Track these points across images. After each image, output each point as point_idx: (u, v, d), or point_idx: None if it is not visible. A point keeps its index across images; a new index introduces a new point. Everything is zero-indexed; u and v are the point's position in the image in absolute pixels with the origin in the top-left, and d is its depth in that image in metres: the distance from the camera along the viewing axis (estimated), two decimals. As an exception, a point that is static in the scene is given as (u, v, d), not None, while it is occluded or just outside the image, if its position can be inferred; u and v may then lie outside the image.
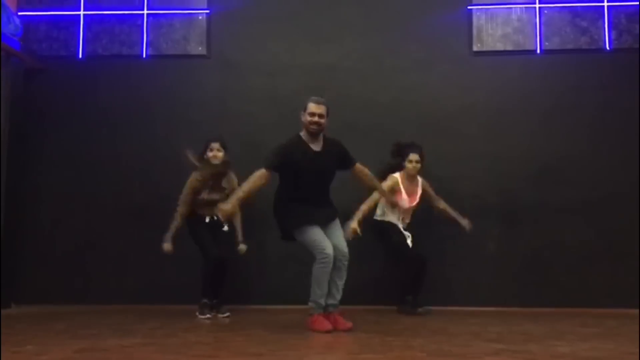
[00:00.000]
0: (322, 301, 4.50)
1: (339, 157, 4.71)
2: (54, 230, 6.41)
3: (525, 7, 6.53)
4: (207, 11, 6.66)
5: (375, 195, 5.48)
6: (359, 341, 4.06)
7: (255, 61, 6.54)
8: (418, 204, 5.87)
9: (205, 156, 5.54)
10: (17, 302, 6.08)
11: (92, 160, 6.48)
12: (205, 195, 5.51)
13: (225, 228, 5.58)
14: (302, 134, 4.67)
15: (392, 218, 5.76)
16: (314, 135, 4.62)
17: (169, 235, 5.49)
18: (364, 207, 5.44)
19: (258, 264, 6.28)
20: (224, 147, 5.55)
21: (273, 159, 4.57)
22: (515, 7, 6.55)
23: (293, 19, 6.59)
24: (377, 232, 5.80)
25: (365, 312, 5.49)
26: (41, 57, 6.58)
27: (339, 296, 4.58)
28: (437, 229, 6.02)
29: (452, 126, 6.35)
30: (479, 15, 6.54)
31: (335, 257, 4.46)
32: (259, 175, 4.54)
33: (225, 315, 5.42)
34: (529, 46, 6.48)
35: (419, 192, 5.86)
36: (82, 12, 6.67)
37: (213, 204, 5.52)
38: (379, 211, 5.81)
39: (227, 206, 4.50)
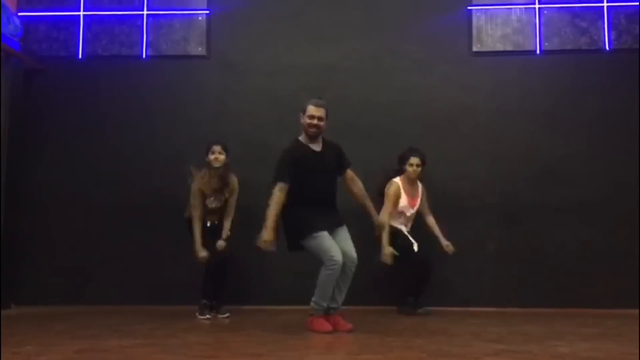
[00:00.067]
0: (325, 304, 4.50)
1: (337, 158, 4.70)
2: (53, 231, 6.40)
3: (525, 8, 6.53)
4: (207, 12, 6.66)
5: (386, 207, 5.59)
6: (359, 341, 4.06)
7: (255, 61, 6.54)
8: (422, 207, 5.89)
9: (206, 159, 5.54)
10: (17, 302, 6.08)
11: (92, 160, 6.47)
12: (209, 203, 5.52)
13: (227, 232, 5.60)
14: (301, 137, 4.66)
15: (396, 223, 5.75)
16: (313, 138, 4.61)
17: (198, 244, 5.39)
18: (385, 224, 5.43)
19: (258, 264, 6.27)
20: (225, 149, 5.56)
21: (283, 170, 4.52)
22: (515, 8, 6.55)
23: (293, 19, 6.59)
24: (380, 236, 5.80)
25: (365, 312, 5.49)
26: (41, 57, 6.58)
27: (341, 300, 4.58)
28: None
29: (452, 126, 6.35)
30: (479, 16, 6.54)
31: (344, 264, 4.43)
32: (279, 192, 4.48)
33: (225, 315, 5.42)
34: (528, 47, 6.48)
35: (420, 196, 5.87)
36: (81, 13, 6.67)
37: (215, 211, 5.55)
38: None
39: (266, 236, 4.44)
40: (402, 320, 5.25)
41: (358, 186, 4.78)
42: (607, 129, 6.27)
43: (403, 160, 5.82)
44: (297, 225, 4.52)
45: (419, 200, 5.86)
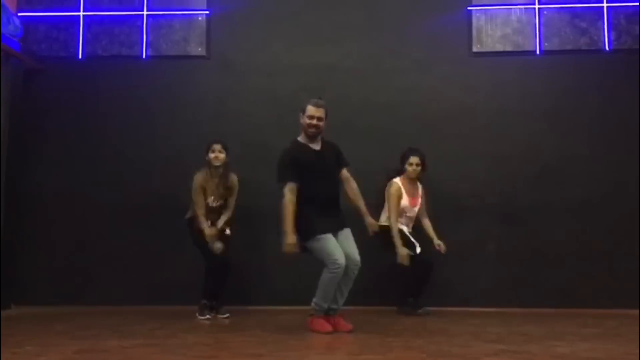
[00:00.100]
0: (326, 306, 4.49)
1: (335, 157, 4.71)
2: (53, 231, 6.41)
3: (525, 8, 6.53)
4: (207, 12, 6.66)
5: (391, 208, 5.64)
6: (359, 342, 4.06)
7: (255, 62, 6.54)
8: (420, 208, 5.89)
9: (206, 157, 5.54)
10: (16, 302, 6.07)
11: (92, 160, 6.47)
12: (210, 202, 5.52)
13: (227, 232, 5.60)
14: (300, 137, 4.66)
15: (398, 223, 5.75)
16: (312, 138, 4.62)
17: (210, 237, 5.40)
18: (395, 229, 5.56)
19: (258, 265, 6.28)
20: (225, 148, 5.56)
21: (287, 170, 4.51)
22: (514, 8, 6.55)
23: (293, 19, 6.60)
24: (381, 239, 5.80)
25: (365, 312, 5.49)
26: (41, 57, 6.58)
27: (342, 301, 4.57)
28: (437, 230, 6.01)
29: (451, 127, 6.35)
30: (479, 16, 6.55)
31: (347, 266, 4.42)
32: (290, 194, 4.45)
33: (225, 316, 5.42)
34: (528, 47, 6.48)
35: (420, 195, 5.87)
36: (81, 13, 6.67)
37: (216, 211, 5.55)
38: (383, 217, 5.81)
39: (289, 239, 4.39)
40: (402, 320, 5.25)
41: (352, 186, 4.75)
42: (607, 129, 6.28)
43: (403, 160, 5.83)
44: (300, 226, 4.49)
45: (419, 199, 5.86)
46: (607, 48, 6.38)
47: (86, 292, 6.29)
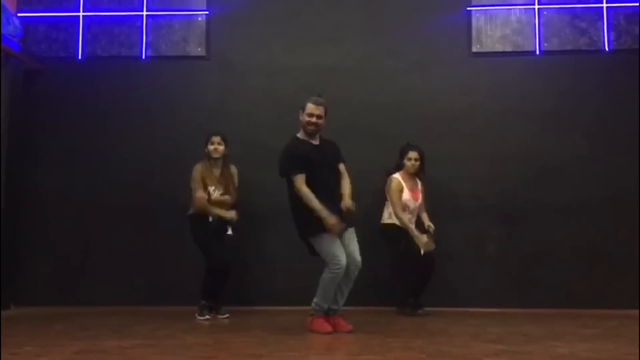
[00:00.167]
0: (326, 306, 4.49)
1: (334, 152, 4.72)
2: (53, 231, 6.40)
3: (525, 8, 6.53)
4: (207, 12, 6.66)
5: (395, 204, 5.69)
6: (359, 342, 4.06)
7: (254, 62, 6.54)
8: (421, 203, 5.89)
9: (205, 150, 5.54)
10: (16, 303, 6.07)
11: (92, 161, 6.47)
12: (211, 193, 5.47)
13: (229, 232, 5.55)
14: (300, 134, 4.68)
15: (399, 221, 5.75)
16: (311, 136, 4.63)
17: (220, 212, 5.42)
18: (404, 219, 5.62)
19: (258, 265, 6.28)
20: (224, 140, 5.56)
21: (291, 163, 4.52)
22: (514, 8, 6.55)
23: (293, 20, 6.60)
24: (384, 237, 5.81)
25: (365, 313, 5.48)
26: (40, 58, 6.58)
27: (342, 302, 4.57)
28: (436, 230, 6.00)
29: (451, 127, 6.35)
30: (478, 17, 6.54)
31: (347, 267, 4.42)
32: (304, 186, 4.44)
33: (225, 316, 5.42)
34: (528, 47, 6.48)
35: (420, 189, 5.88)
36: (81, 13, 6.67)
37: (217, 204, 5.52)
38: (385, 214, 5.81)
39: (331, 220, 4.36)
40: (401, 320, 5.25)
41: (345, 179, 4.69)
42: (607, 130, 6.28)
43: (402, 155, 5.85)
44: (306, 222, 4.51)
45: (420, 194, 5.87)
46: (606, 48, 6.38)
47: (86, 292, 6.29)
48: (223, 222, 5.51)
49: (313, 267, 4.58)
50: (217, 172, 5.54)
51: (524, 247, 6.19)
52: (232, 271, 5.48)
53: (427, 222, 5.80)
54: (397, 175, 5.80)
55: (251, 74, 6.52)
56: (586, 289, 6.04)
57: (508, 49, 6.50)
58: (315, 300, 4.50)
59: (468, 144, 6.32)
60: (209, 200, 5.46)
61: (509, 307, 6.01)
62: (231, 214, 5.50)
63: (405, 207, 5.75)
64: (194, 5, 6.69)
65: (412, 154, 5.80)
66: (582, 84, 6.35)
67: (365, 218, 5.90)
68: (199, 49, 6.64)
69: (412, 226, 5.67)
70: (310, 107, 4.59)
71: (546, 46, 6.46)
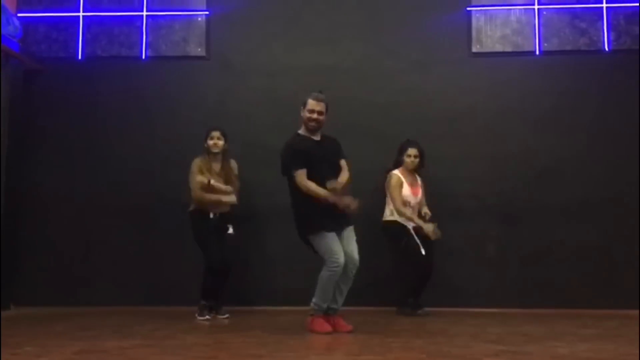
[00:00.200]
0: (325, 305, 4.50)
1: (335, 149, 4.72)
2: (53, 232, 6.40)
3: (524, 9, 6.53)
4: (207, 12, 6.66)
5: (395, 199, 5.73)
6: (359, 342, 4.06)
7: (254, 62, 6.54)
8: (421, 199, 5.89)
9: (205, 144, 5.54)
10: (16, 303, 6.07)
11: (92, 161, 6.47)
12: (212, 182, 5.44)
13: (230, 231, 5.52)
14: (301, 130, 4.69)
15: (402, 219, 5.74)
16: (312, 132, 4.64)
17: (223, 187, 5.41)
18: (406, 212, 5.67)
19: (258, 265, 6.28)
20: (224, 135, 5.56)
21: (292, 159, 4.52)
22: (514, 9, 6.54)
23: (293, 20, 6.60)
24: (386, 234, 5.81)
25: (365, 313, 5.48)
26: (40, 58, 6.58)
27: (341, 301, 4.58)
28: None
29: (451, 127, 6.35)
30: (478, 17, 6.54)
31: (346, 265, 4.43)
32: (303, 179, 4.46)
33: (225, 316, 5.42)
34: (528, 47, 6.48)
35: (420, 185, 5.88)
36: (81, 14, 6.66)
37: (218, 193, 5.49)
38: (387, 212, 5.81)
39: (346, 200, 4.44)
40: (401, 321, 5.25)
41: (344, 173, 4.68)
42: (607, 130, 6.28)
43: (401, 151, 5.86)
44: (306, 219, 4.54)
45: (420, 189, 5.87)
46: (606, 48, 6.38)
47: (86, 292, 6.28)
48: (224, 220, 5.49)
49: (313, 267, 4.58)
50: (216, 166, 5.54)
51: (524, 247, 6.19)
52: (232, 271, 5.47)
53: (424, 210, 5.82)
54: (396, 172, 5.81)
55: (251, 74, 6.52)
56: (586, 289, 6.04)
57: (508, 49, 6.50)
58: (314, 300, 4.51)
59: (468, 144, 6.32)
60: (209, 186, 5.42)
61: (509, 307, 6.01)
62: (231, 197, 5.47)
63: (405, 203, 5.76)
64: (194, 6, 6.69)
65: (412, 151, 5.81)
66: (582, 84, 6.35)
67: (366, 218, 5.89)
68: (199, 49, 6.64)
69: (415, 217, 5.69)
70: (311, 103, 4.60)
71: (546, 46, 6.46)
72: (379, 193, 5.94)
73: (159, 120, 6.51)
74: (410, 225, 5.72)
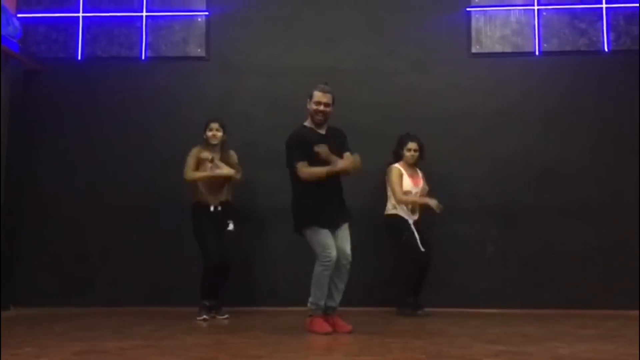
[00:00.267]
0: (322, 303, 4.50)
1: (340, 142, 4.70)
2: (53, 232, 6.40)
3: (524, 9, 6.53)
4: (206, 13, 6.66)
5: (395, 189, 5.74)
6: (358, 343, 4.06)
7: (254, 63, 6.54)
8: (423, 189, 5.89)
9: (204, 136, 5.54)
10: (16, 304, 6.07)
11: (91, 162, 6.47)
12: (210, 170, 5.44)
13: (231, 227, 5.48)
14: (307, 122, 4.69)
15: (402, 212, 5.75)
16: (318, 125, 4.64)
17: (223, 169, 5.41)
18: (408, 198, 5.72)
19: (258, 265, 6.28)
20: (222, 127, 5.55)
21: (295, 152, 4.53)
22: (514, 9, 6.55)
23: (292, 20, 6.60)
24: (387, 228, 5.81)
25: (365, 313, 5.48)
26: (40, 59, 6.58)
27: (338, 298, 4.58)
28: (436, 231, 6.02)
29: (451, 128, 6.35)
30: (478, 17, 6.55)
31: (338, 260, 4.45)
32: (304, 170, 4.47)
33: (224, 317, 5.41)
34: (527, 48, 6.48)
35: (421, 177, 5.89)
36: (81, 14, 6.67)
37: (217, 188, 5.48)
38: (389, 206, 5.81)
39: (343, 162, 4.49)
40: (401, 321, 5.24)
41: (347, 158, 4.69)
42: (606, 130, 6.28)
43: (401, 145, 5.86)
44: (302, 213, 4.55)
45: (421, 180, 5.87)
46: (606, 49, 6.38)
47: (86, 293, 6.28)
48: (224, 215, 5.45)
49: (313, 268, 4.57)
50: (215, 157, 5.52)
51: (523, 248, 6.19)
52: (232, 269, 5.44)
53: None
54: (397, 165, 5.83)
55: (251, 75, 6.52)
56: (586, 289, 6.04)
57: (508, 49, 6.51)
58: (310, 299, 4.52)
59: (468, 144, 6.33)
60: (208, 185, 5.41)
61: (509, 307, 6.01)
62: (228, 171, 5.42)
63: (407, 193, 5.76)
64: (193, 6, 6.69)
65: (412, 145, 5.82)
66: (582, 85, 6.35)
67: (366, 218, 5.92)
68: (199, 50, 6.64)
69: (417, 199, 5.74)
70: (318, 95, 4.60)
71: (546, 47, 6.46)
72: (379, 193, 5.94)
73: (158, 120, 6.50)
74: (411, 221, 5.73)
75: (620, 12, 6.42)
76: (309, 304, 4.53)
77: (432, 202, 5.66)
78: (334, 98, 4.66)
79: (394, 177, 5.75)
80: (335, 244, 4.48)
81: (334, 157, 4.50)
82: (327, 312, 4.53)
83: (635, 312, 5.49)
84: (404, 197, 5.71)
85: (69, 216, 6.41)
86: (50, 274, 6.32)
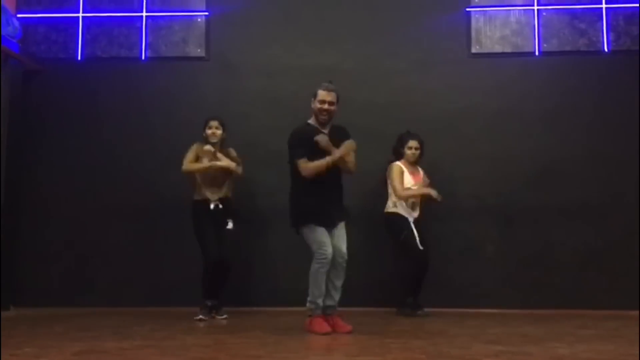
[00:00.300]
0: (320, 301, 4.50)
1: (344, 139, 4.69)
2: (53, 232, 6.40)
3: (524, 9, 6.53)
4: (206, 13, 6.66)
5: (396, 186, 5.74)
6: (358, 343, 4.06)
7: (254, 63, 6.54)
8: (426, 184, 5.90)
9: (203, 134, 5.54)
10: (16, 304, 6.07)
11: (91, 162, 6.47)
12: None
13: (230, 226, 5.47)
14: (311, 120, 4.69)
15: (402, 210, 5.75)
16: (322, 124, 4.64)
17: (223, 161, 5.40)
18: (409, 192, 5.72)
19: (258, 265, 6.28)
20: (222, 125, 5.55)
21: (296, 149, 4.54)
22: (513, 9, 6.55)
23: (292, 20, 6.60)
24: (387, 226, 5.81)
25: (364, 314, 5.49)
26: (40, 59, 6.58)
27: (337, 297, 4.58)
28: (436, 231, 6.03)
29: (451, 128, 6.36)
30: (478, 17, 6.55)
31: (333, 258, 4.47)
32: (305, 166, 4.48)
33: (223, 317, 5.40)
34: (527, 48, 6.48)
35: (422, 174, 5.89)
36: (80, 14, 6.67)
37: (217, 184, 5.47)
38: (389, 203, 5.81)
39: (340, 150, 4.50)
40: (401, 321, 5.25)
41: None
42: (606, 131, 6.28)
43: (401, 143, 5.86)
44: (299, 210, 4.57)
45: (421, 176, 5.87)
46: (606, 49, 6.38)
47: (85, 293, 6.28)
48: (224, 213, 5.44)
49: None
50: (216, 152, 5.52)
51: (523, 248, 6.19)
52: (232, 267, 5.42)
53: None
54: (398, 162, 5.83)
55: (251, 75, 6.52)
56: (586, 289, 6.04)
57: (507, 49, 6.51)
58: (309, 298, 4.52)
59: (468, 145, 6.33)
60: (206, 181, 5.41)
61: (509, 307, 6.01)
62: (229, 162, 5.44)
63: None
64: (193, 6, 6.69)
65: (412, 143, 5.82)
66: (582, 85, 6.35)
67: (366, 217, 5.92)
68: (199, 50, 6.64)
69: (417, 191, 5.74)
70: (322, 93, 4.60)
71: (545, 47, 6.46)
72: (379, 192, 5.94)
73: (158, 120, 6.50)
74: (411, 219, 5.73)
75: (620, 12, 6.42)
76: (308, 304, 4.53)
77: (433, 192, 5.68)
78: (338, 97, 4.66)
79: (395, 173, 5.76)
80: (332, 242, 4.49)
81: (333, 148, 4.51)
82: (326, 312, 4.53)
83: (635, 312, 5.50)
84: (405, 192, 5.71)
85: (69, 216, 6.42)
86: (50, 274, 6.32)
